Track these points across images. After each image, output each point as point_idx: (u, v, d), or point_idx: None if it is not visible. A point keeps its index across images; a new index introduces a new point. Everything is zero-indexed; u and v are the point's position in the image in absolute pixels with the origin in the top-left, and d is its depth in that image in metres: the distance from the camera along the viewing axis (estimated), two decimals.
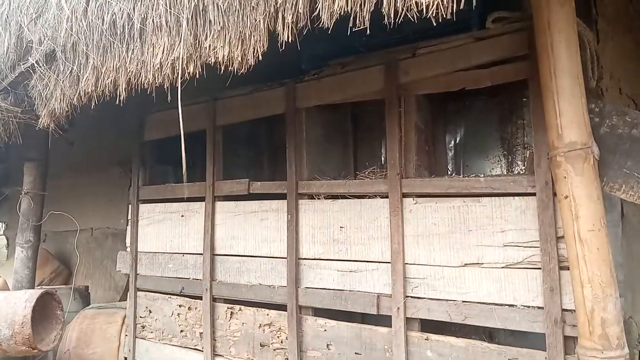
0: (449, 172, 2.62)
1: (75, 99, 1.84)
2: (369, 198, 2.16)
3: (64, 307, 2.94)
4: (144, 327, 2.94)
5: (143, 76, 1.60)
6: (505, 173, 2.48)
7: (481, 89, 2.05)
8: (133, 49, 1.66)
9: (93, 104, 1.83)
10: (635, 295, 1.92)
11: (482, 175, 1.93)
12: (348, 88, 2.22)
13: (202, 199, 2.70)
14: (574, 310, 1.56)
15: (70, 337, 2.94)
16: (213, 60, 1.50)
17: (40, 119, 2.12)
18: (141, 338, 2.96)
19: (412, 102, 2.09)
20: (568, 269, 1.58)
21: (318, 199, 2.32)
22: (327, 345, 2.22)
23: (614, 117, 1.66)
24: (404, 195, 2.04)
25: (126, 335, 3.00)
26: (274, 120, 2.53)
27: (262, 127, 3.09)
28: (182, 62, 1.52)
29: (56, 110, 1.90)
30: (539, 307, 1.73)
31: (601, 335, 1.46)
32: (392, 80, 2.06)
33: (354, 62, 2.19)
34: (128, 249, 3.03)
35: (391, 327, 2.02)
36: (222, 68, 1.50)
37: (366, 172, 2.31)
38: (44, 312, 1.28)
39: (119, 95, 1.72)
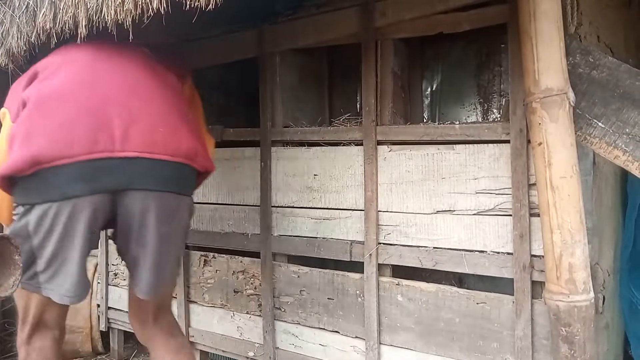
0: (425, 120, 2.60)
1: (33, 37, 1.72)
2: (343, 145, 2.13)
3: None
4: (116, 275, 2.93)
5: (105, 12, 1.50)
6: (481, 120, 2.47)
7: (459, 35, 2.00)
8: None
9: (53, 42, 1.72)
10: (602, 242, 1.96)
11: (457, 123, 1.91)
12: (323, 31, 2.14)
13: None
14: (543, 256, 1.59)
15: None
16: None
17: None
18: (114, 285, 2.95)
19: (388, 47, 2.03)
20: (538, 215, 1.59)
21: (292, 146, 2.28)
22: (300, 291, 2.24)
23: (577, 56, 1.62)
24: (379, 143, 2.02)
25: (98, 282, 2.98)
26: (247, 64, 2.45)
27: (235, 72, 3.00)
28: None
29: (13, 48, 1.79)
30: (508, 253, 1.75)
31: (568, 280, 1.49)
32: (368, 23, 1.99)
33: (329, 2, 2.11)
34: None
35: (363, 273, 2.04)
36: (188, 4, 1.41)
37: (341, 119, 2.27)
38: (1, 257, 1.25)
39: (80, 33, 1.62)
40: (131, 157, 1.54)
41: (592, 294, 1.51)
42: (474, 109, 2.52)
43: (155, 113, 1.64)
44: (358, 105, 2.67)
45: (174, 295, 2.64)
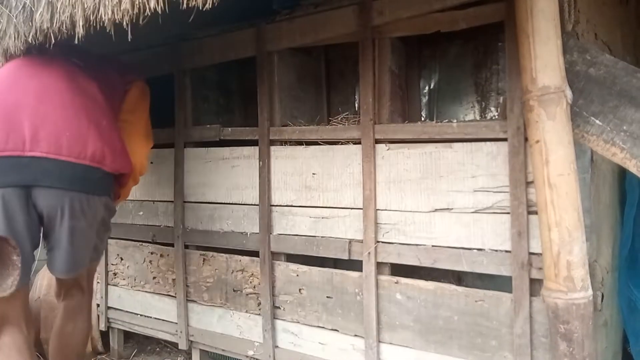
0: (423, 118, 2.60)
1: (30, 37, 1.73)
2: (341, 144, 2.13)
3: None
4: (115, 274, 2.93)
5: (102, 11, 1.50)
6: (479, 119, 2.47)
7: (457, 33, 2.00)
8: None
9: (50, 43, 1.73)
10: (600, 240, 1.97)
11: (455, 121, 1.91)
12: (321, 30, 2.13)
13: (171, 145, 2.64)
14: (541, 254, 1.59)
15: (41, 284, 2.91)
16: None
17: None
18: (113, 285, 2.95)
19: (386, 46, 2.03)
20: (536, 213, 1.60)
21: (290, 145, 2.28)
22: (300, 290, 2.24)
23: (574, 53, 1.63)
24: (377, 141, 2.02)
25: (98, 282, 2.98)
26: (246, 64, 2.45)
27: (233, 72, 3.00)
28: None
29: (10, 48, 1.79)
30: (506, 251, 1.75)
31: (566, 278, 1.49)
32: (365, 22, 1.99)
33: (327, 1, 2.10)
34: None
35: (362, 271, 2.04)
36: (186, 3, 1.42)
37: (339, 118, 2.28)
38: (0, 258, 1.26)
39: (77, 33, 1.62)
40: (38, 157, 1.75)
41: (590, 292, 1.51)
42: (471, 107, 2.52)
43: (63, 118, 1.83)
44: (356, 104, 2.67)
45: (173, 295, 2.66)
